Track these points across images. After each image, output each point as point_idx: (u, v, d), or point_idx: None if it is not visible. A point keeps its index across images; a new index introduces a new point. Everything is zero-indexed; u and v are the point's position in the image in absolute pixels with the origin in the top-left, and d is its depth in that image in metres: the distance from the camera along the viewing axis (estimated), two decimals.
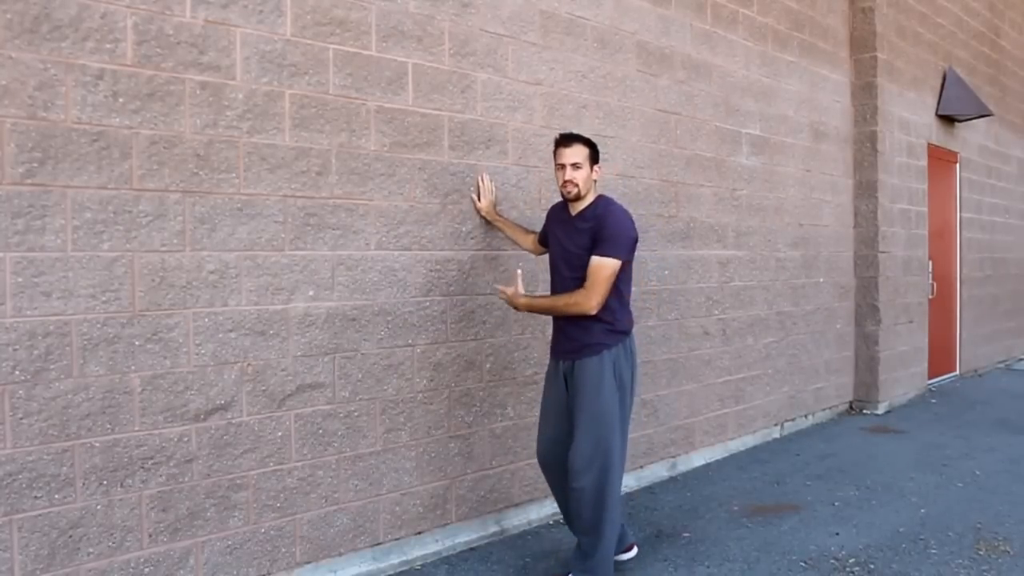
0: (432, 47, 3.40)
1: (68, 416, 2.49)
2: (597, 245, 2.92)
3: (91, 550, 2.53)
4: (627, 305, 3.08)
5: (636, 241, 3.05)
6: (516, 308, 3.10)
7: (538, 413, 3.85)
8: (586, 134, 4.06)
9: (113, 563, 2.58)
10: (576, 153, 3.00)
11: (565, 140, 3.04)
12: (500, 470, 3.70)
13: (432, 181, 3.41)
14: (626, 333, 3.06)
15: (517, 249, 3.72)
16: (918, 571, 3.28)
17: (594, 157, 3.06)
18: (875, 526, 3.80)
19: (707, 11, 4.92)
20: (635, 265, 4.33)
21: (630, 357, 3.07)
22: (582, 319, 2.96)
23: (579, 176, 2.99)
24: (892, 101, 6.58)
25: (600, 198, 3.09)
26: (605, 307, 2.94)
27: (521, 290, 3.10)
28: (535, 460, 3.86)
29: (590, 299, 2.89)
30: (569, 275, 3.02)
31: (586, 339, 2.99)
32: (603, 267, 2.90)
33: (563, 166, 3.01)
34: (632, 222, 3.04)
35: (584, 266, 2.94)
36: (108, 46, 2.54)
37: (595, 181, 3.08)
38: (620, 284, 3.01)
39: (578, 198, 3.03)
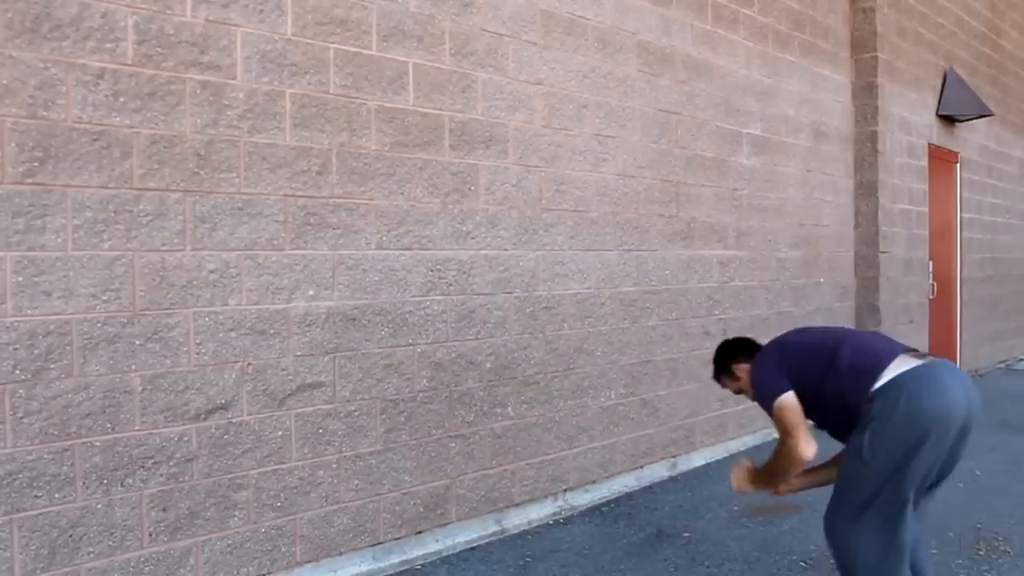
0: (433, 47, 3.40)
1: (68, 415, 2.49)
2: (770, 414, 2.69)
3: (91, 549, 2.53)
4: (824, 409, 2.58)
5: (769, 378, 2.66)
6: (746, 483, 2.79)
7: (538, 412, 3.87)
8: (586, 133, 4.09)
9: (113, 562, 2.58)
10: (729, 387, 2.97)
11: (715, 381, 3.03)
12: (500, 470, 3.70)
13: (432, 181, 3.41)
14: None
15: (518, 248, 3.73)
16: None
17: (728, 371, 2.92)
18: None
19: (708, 11, 4.91)
20: (636, 264, 4.36)
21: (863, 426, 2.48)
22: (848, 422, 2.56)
23: (736, 390, 2.96)
24: (893, 101, 6.58)
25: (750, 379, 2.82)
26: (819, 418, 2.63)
27: (743, 483, 2.80)
28: (535, 460, 3.87)
29: (789, 448, 2.55)
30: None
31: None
32: (777, 418, 2.61)
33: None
34: (757, 376, 2.71)
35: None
36: (109, 45, 2.54)
37: (740, 378, 2.88)
38: (810, 398, 2.60)
39: (754, 399, 2.84)
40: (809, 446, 2.50)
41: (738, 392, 2.96)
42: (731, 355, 2.93)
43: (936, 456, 2.33)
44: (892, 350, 2.47)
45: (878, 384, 2.38)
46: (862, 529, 2.41)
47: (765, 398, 2.64)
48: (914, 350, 2.51)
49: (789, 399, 2.57)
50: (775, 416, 2.59)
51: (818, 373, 2.54)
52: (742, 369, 2.87)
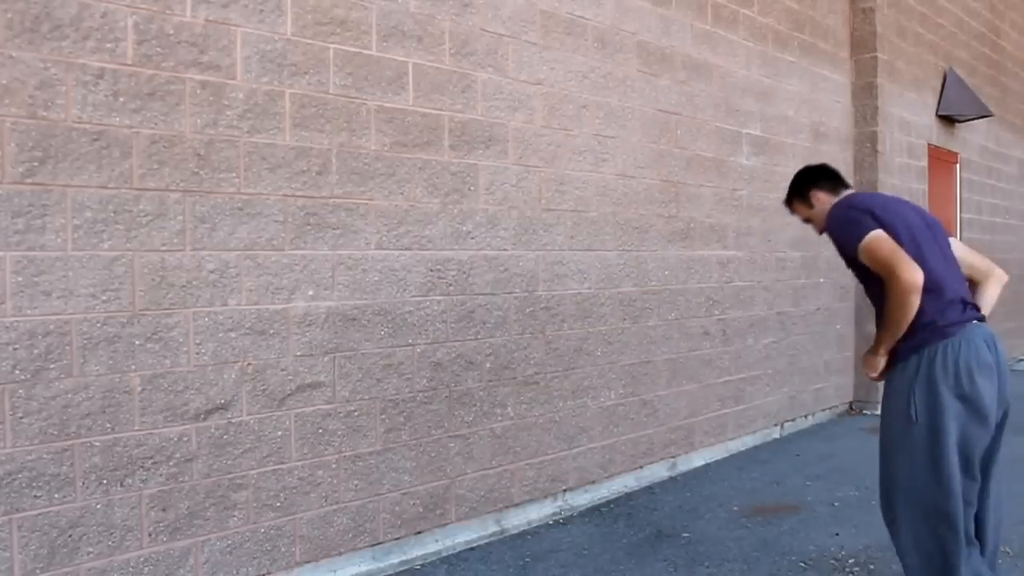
0: (432, 47, 3.40)
1: (68, 415, 2.49)
2: (849, 252, 2.57)
3: (91, 549, 2.53)
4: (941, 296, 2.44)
5: (857, 218, 2.50)
6: (878, 358, 2.57)
7: (538, 412, 3.87)
8: (586, 133, 4.09)
9: (113, 562, 2.58)
10: (797, 212, 2.89)
11: (785, 206, 2.97)
12: (500, 470, 3.70)
13: (432, 181, 3.41)
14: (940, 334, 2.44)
15: (518, 248, 3.73)
16: None
17: (803, 195, 2.82)
18: (875, 526, 3.79)
19: (708, 11, 4.92)
20: (636, 264, 4.37)
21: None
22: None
23: (805, 217, 2.88)
24: (892, 102, 6.58)
25: (830, 210, 2.71)
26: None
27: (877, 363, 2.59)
28: (535, 460, 3.86)
29: (895, 279, 2.37)
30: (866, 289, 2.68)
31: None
32: (868, 251, 2.45)
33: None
34: (845, 211, 2.58)
35: (859, 269, 2.58)
36: (108, 45, 2.54)
37: (814, 206, 2.79)
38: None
39: (822, 231, 2.80)
40: (916, 271, 2.34)
41: (806, 220, 2.86)
42: (813, 180, 2.81)
43: (974, 421, 2.40)
44: (967, 312, 2.48)
45: (941, 337, 2.41)
46: (912, 520, 2.55)
47: (852, 238, 2.48)
48: (977, 310, 2.55)
49: (880, 232, 2.42)
50: (868, 252, 2.43)
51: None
52: (821, 199, 2.76)
